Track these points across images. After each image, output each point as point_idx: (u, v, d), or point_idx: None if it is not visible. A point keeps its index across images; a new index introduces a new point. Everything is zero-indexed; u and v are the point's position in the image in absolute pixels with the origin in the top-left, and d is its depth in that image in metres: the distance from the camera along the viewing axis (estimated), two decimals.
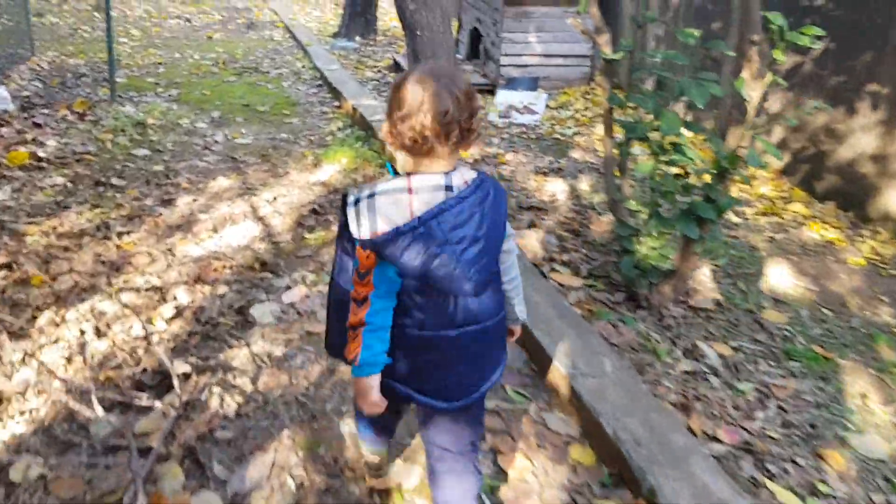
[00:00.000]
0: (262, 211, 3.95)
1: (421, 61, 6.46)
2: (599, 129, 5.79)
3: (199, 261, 3.36)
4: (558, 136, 5.64)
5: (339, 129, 5.56)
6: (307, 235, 3.67)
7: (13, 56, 6.68)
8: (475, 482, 1.74)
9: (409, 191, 1.44)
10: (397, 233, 1.41)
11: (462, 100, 1.44)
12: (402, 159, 1.49)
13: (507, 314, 1.70)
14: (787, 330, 3.02)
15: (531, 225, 3.83)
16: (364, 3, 9.38)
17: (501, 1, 6.53)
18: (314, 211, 3.96)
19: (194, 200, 4.05)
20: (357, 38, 9.30)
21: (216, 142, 5.17)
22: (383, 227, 1.42)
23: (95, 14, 10.50)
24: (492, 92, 6.71)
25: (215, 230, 3.69)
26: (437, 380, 1.61)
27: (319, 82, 7.09)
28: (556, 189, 4.44)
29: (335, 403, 2.44)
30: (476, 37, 7.30)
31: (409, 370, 1.58)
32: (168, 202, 4.01)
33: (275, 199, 4.13)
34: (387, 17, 11.17)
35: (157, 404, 2.35)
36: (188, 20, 10.49)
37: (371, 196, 1.44)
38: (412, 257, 1.43)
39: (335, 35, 9.51)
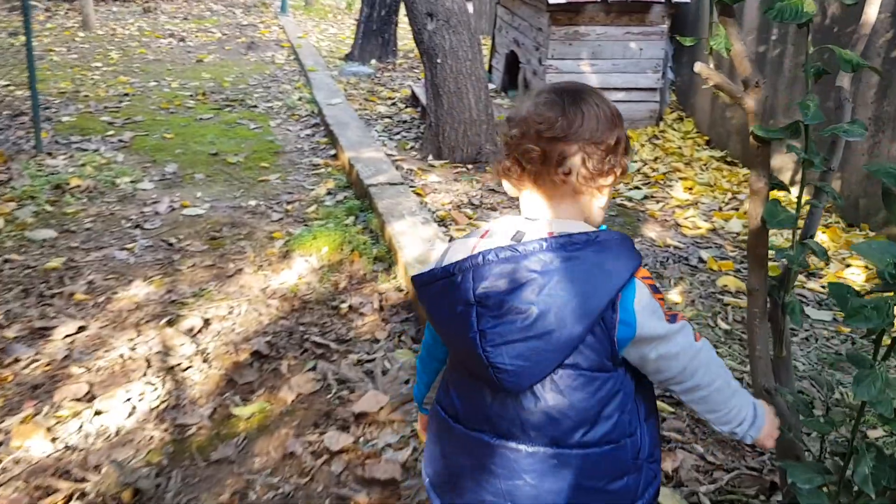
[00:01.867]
0: (177, 352, 2.52)
1: (442, 95, 5.04)
2: (676, 191, 4.28)
3: (35, 475, 1.93)
4: (624, 202, 4.14)
5: (328, 192, 4.13)
6: (236, 410, 2.23)
7: None
8: None
9: (485, 233, 1.14)
10: (431, 275, 1.12)
11: (589, 117, 1.11)
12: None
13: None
14: None
15: None
16: (380, 20, 8.00)
17: (547, 18, 5.07)
18: (258, 354, 2.52)
19: (80, 330, 2.64)
20: (372, 62, 7.91)
21: (156, 214, 3.77)
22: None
23: (79, 33, 9.30)
24: None
25: (90, 397, 2.27)
26: (472, 499, 1.17)
27: (317, 120, 5.69)
28: None
29: None
30: (514, 63, 5.85)
31: (439, 470, 1.22)
32: (40, 334, 2.61)
33: (206, 324, 2.71)
34: (409, 34, 9.78)
35: None
36: (182, 39, 9.23)
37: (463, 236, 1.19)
38: (435, 309, 1.14)
39: (347, 57, 8.14)
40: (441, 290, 1.12)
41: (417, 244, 3.09)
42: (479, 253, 1.08)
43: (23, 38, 8.88)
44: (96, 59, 7.79)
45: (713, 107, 4.97)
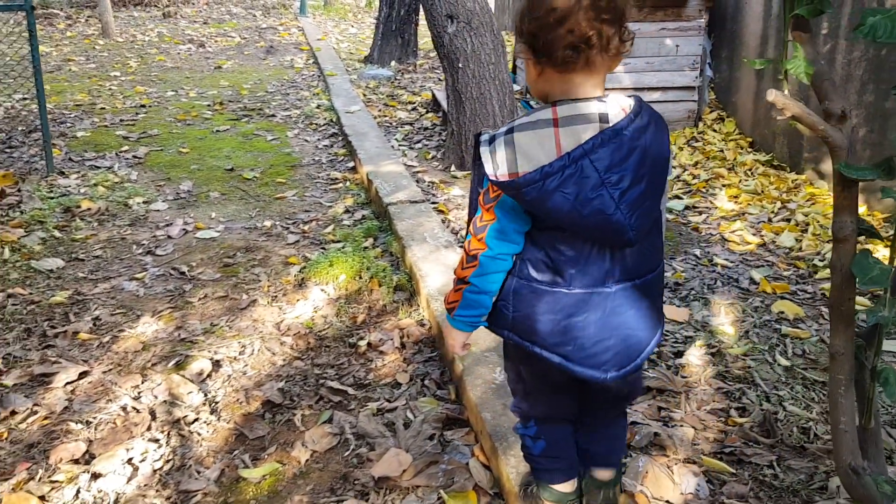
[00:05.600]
0: (184, 402, 2.32)
1: (465, 101, 4.81)
2: (720, 200, 4.00)
3: None
4: (664, 214, 3.86)
5: (346, 210, 3.92)
6: (245, 472, 2.02)
7: None
8: (624, 433, 1.68)
9: (555, 123, 1.24)
10: (543, 173, 1.22)
11: None
12: (546, 83, 1.30)
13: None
14: None
15: (653, 443, 2.08)
16: (400, 20, 7.78)
17: None
18: (271, 404, 2.31)
19: (82, 376, 2.46)
20: (392, 64, 7.69)
21: (169, 238, 3.60)
22: (525, 166, 1.23)
23: (99, 41, 9.23)
24: None
25: (88, 457, 2.09)
26: (591, 346, 1.36)
27: (335, 129, 5.49)
28: (671, 333, 2.69)
29: None
30: None
31: (558, 336, 1.36)
32: (39, 381, 2.44)
33: (217, 366, 2.51)
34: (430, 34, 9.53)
35: None
36: (201, 45, 9.10)
37: (509, 132, 1.27)
38: (561, 202, 1.23)
39: (366, 59, 7.93)
40: (558, 183, 1.22)
41: (440, 272, 2.87)
42: (589, 141, 1.22)
43: (42, 49, 8.81)
44: (115, 67, 7.69)
45: (756, 106, 4.65)
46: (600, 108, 1.25)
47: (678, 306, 2.89)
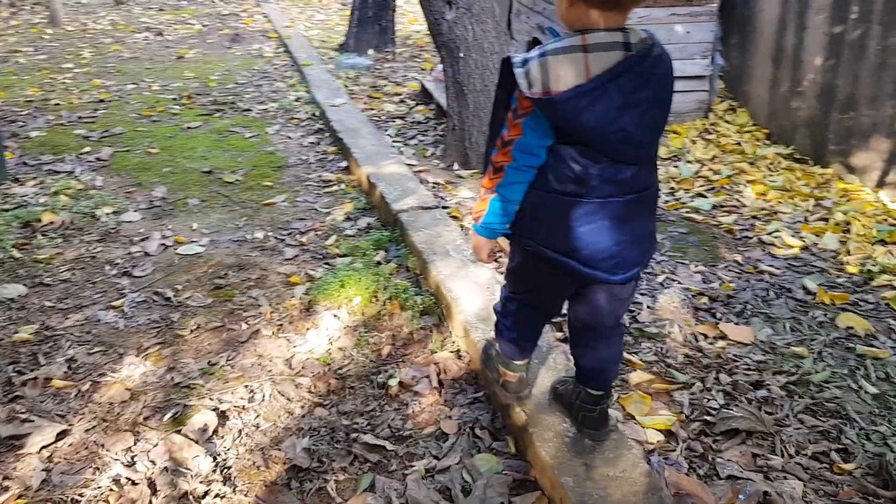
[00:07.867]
0: (189, 469, 1.92)
1: (467, 94, 4.43)
2: (748, 198, 3.72)
3: None
4: (690, 213, 3.57)
5: (347, 217, 3.52)
6: None
7: None
8: (620, 350, 1.77)
9: (584, 49, 1.37)
10: (576, 92, 1.35)
11: None
12: (576, 14, 1.40)
13: None
14: None
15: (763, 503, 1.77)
16: (376, 5, 7.31)
17: None
18: (295, 468, 1.93)
19: (60, 437, 2.04)
20: (370, 52, 7.24)
21: (146, 255, 3.15)
22: (557, 85, 1.37)
23: (47, 30, 8.54)
24: None
25: None
26: (603, 250, 1.50)
27: (320, 124, 5.05)
28: (739, 358, 2.38)
29: None
30: None
31: (574, 241, 1.50)
32: (9, 444, 2.01)
33: (223, 418, 2.11)
34: (405, 18, 9.10)
35: None
36: (159, 33, 8.49)
37: (542, 55, 1.39)
38: (589, 119, 1.37)
39: (341, 48, 7.46)
40: (589, 103, 1.35)
41: (475, 293, 2.51)
42: (618, 67, 1.36)
43: None
44: (67, 59, 7.07)
45: (773, 95, 4.38)
46: (625, 38, 1.39)
47: (737, 324, 2.59)
